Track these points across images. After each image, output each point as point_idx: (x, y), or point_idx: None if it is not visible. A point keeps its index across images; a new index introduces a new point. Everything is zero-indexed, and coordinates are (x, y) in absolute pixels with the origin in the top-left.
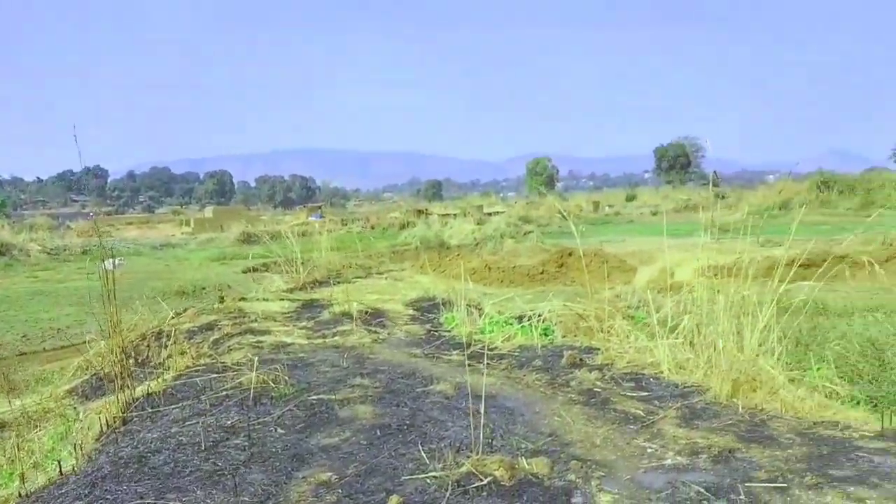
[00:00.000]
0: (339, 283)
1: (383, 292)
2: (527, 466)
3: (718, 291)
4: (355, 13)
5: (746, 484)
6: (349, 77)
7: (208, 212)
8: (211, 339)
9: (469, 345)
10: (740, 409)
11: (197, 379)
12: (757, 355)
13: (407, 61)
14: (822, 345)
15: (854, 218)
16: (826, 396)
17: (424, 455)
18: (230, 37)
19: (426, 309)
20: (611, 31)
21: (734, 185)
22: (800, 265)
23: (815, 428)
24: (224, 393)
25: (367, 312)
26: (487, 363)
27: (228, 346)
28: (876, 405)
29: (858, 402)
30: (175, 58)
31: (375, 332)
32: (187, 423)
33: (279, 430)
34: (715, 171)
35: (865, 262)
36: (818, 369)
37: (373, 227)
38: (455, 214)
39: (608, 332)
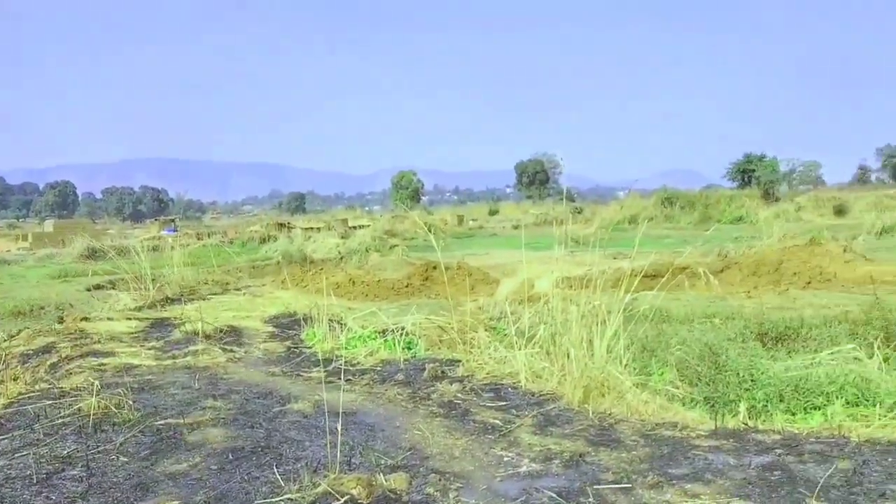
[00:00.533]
0: (192, 300)
1: (241, 309)
2: (385, 483)
3: (572, 302)
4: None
5: (595, 486)
6: (207, 83)
7: (48, 225)
8: (48, 362)
9: (330, 361)
10: (591, 414)
11: (30, 406)
12: (606, 362)
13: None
14: (665, 350)
15: (694, 231)
16: (668, 399)
17: (279, 477)
18: (76, 31)
19: (286, 325)
20: (476, 43)
21: (589, 200)
22: (645, 276)
23: (658, 429)
24: (60, 420)
25: (222, 330)
26: (349, 379)
27: (67, 370)
28: (712, 405)
29: (697, 403)
30: (6, 53)
31: (231, 350)
32: (17, 454)
33: (121, 459)
34: (569, 188)
35: (702, 272)
36: (661, 373)
37: (231, 242)
38: (319, 228)
39: (470, 344)
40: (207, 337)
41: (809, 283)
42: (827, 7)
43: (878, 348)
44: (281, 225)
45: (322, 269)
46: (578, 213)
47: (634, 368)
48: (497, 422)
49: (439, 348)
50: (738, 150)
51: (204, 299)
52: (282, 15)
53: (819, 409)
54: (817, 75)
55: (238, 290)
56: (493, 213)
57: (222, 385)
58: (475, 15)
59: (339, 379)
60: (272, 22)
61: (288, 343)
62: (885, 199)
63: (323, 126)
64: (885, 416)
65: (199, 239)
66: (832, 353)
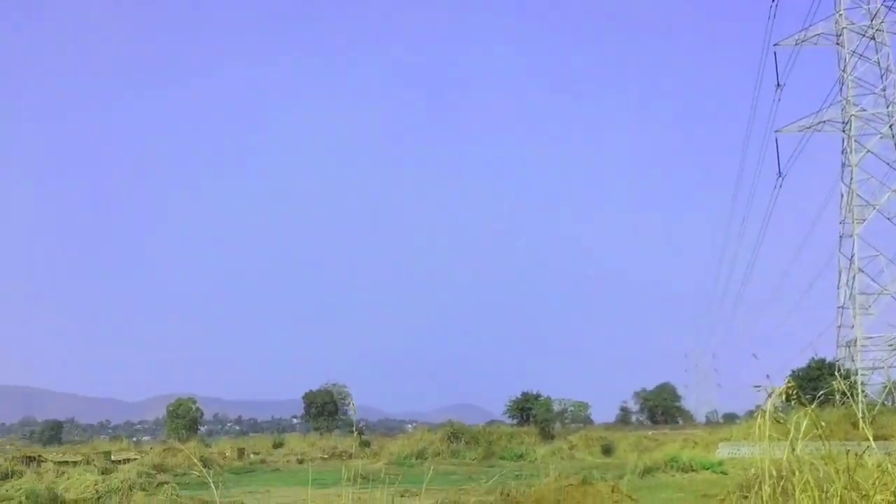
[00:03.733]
0: None
1: None
2: None
3: None
4: None
5: None
6: None
7: None
8: None
9: None
10: None
11: None
12: None
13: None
14: None
15: (479, 467)
16: None
17: None
18: None
19: None
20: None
21: (377, 432)
22: None
23: None
24: None
25: None
26: None
27: None
28: None
29: None
30: None
31: None
32: None
33: None
34: (358, 420)
35: None
36: None
37: None
38: (76, 462)
39: None
40: None
41: None
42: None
43: None
44: (30, 458)
45: None
46: (367, 446)
47: None
48: None
49: None
50: (515, 384)
51: None
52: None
53: None
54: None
55: None
56: (277, 445)
57: None
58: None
59: None
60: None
61: None
62: (643, 440)
63: (88, 343)
64: None
65: None
66: None
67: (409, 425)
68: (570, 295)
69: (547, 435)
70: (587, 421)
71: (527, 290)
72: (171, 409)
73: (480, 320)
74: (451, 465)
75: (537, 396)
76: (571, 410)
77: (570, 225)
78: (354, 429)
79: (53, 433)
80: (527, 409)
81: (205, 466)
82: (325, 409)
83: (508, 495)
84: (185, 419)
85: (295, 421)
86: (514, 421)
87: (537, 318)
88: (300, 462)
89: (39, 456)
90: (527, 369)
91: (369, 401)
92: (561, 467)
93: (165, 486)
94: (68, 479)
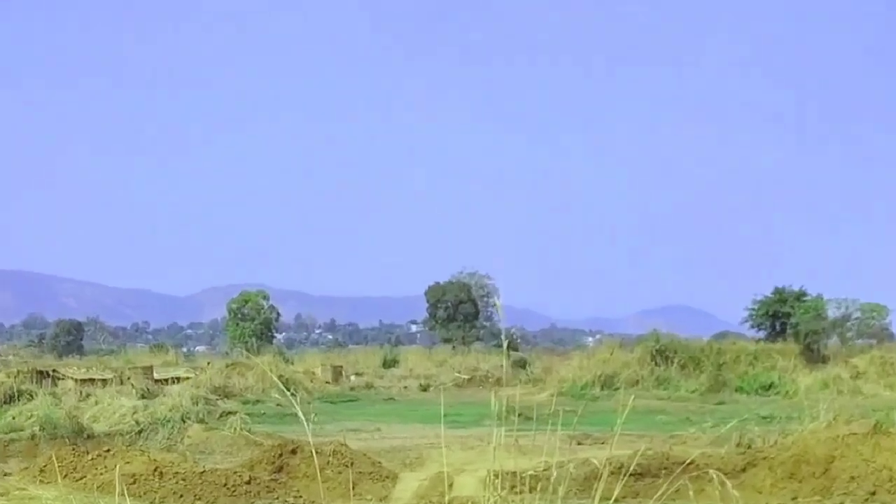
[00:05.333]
0: None
1: None
2: None
3: None
4: None
5: None
6: None
7: None
8: None
9: None
10: None
11: None
12: None
13: None
14: None
15: (701, 404)
16: None
17: None
18: None
19: None
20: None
21: (540, 348)
22: (630, 474)
23: None
24: None
25: None
26: None
27: None
28: None
29: None
30: None
31: None
32: None
33: None
34: (510, 328)
35: (713, 474)
36: None
37: None
38: (104, 380)
39: None
40: None
41: (874, 493)
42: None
43: None
44: (41, 374)
45: (110, 450)
46: (523, 368)
47: None
48: None
49: None
50: (759, 279)
51: None
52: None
53: None
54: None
55: None
56: (389, 363)
57: None
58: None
59: None
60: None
61: None
62: None
63: (114, 219)
64: None
65: None
66: None
67: (590, 338)
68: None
69: (815, 356)
70: (885, 335)
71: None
72: (233, 306)
73: (703, 182)
74: (656, 400)
75: (800, 296)
76: (858, 318)
77: None
78: (503, 340)
79: (72, 339)
80: (781, 316)
81: (286, 391)
82: (458, 310)
83: (750, 447)
84: (254, 322)
85: (414, 328)
86: (761, 334)
87: (794, 183)
88: (424, 389)
89: (55, 371)
90: (779, 256)
91: (528, 301)
92: (838, 406)
93: (232, 417)
94: (96, 403)
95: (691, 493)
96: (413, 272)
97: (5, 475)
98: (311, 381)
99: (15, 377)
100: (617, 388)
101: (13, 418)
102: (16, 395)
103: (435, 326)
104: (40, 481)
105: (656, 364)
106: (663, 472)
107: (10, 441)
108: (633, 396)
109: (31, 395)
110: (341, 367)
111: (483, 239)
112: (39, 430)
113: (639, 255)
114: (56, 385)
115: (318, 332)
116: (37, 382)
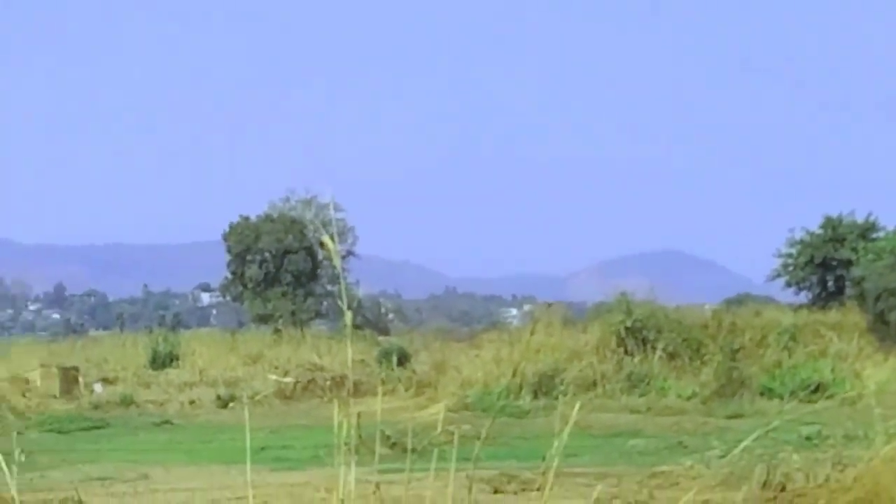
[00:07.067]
0: None
1: None
2: None
3: None
4: None
5: None
6: None
7: None
8: None
9: None
10: None
11: None
12: None
13: None
14: None
15: (704, 417)
16: None
17: None
18: None
19: None
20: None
21: (429, 329)
22: None
23: None
24: None
25: None
26: None
27: None
28: None
29: None
30: None
31: None
32: None
33: None
34: (380, 298)
35: None
36: None
37: None
38: None
39: None
40: None
41: None
42: None
43: None
44: None
45: None
46: (401, 364)
47: None
48: None
49: None
50: (799, 214)
51: None
52: None
53: None
54: None
55: None
56: (162, 361)
57: None
58: None
59: None
60: None
61: None
62: None
63: None
64: None
65: None
66: None
67: (513, 310)
68: None
69: (889, 332)
70: None
71: None
72: None
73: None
74: (627, 413)
75: (866, 230)
76: None
77: None
78: (346, 311)
79: None
80: (836, 266)
81: None
82: (285, 265)
83: (783, 489)
84: None
85: (206, 298)
86: (802, 297)
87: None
88: (225, 405)
89: None
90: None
91: (410, 251)
92: None
93: None
94: None
95: None
96: (204, 202)
97: None
98: (24, 395)
99: None
100: (560, 395)
101: None
102: None
103: (242, 295)
104: None
105: (627, 352)
106: None
107: None
108: (577, 407)
109: None
110: (77, 369)
111: (326, 151)
112: None
113: (596, 179)
114: None
115: (33, 307)
116: None
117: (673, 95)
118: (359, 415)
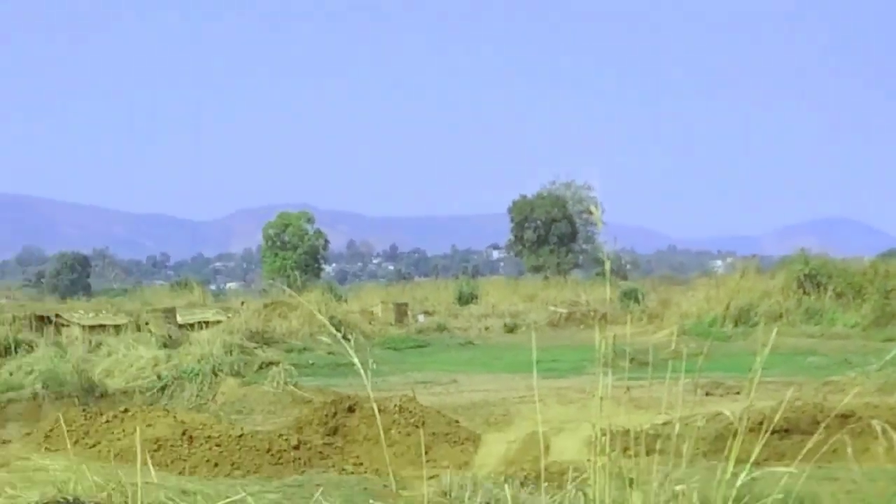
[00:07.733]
0: None
1: None
2: None
3: (632, 483)
4: None
5: None
6: None
7: None
8: None
9: None
10: None
11: None
12: None
13: None
14: None
15: (864, 341)
16: None
17: None
18: None
19: None
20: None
21: (656, 276)
22: (772, 431)
23: None
24: None
25: None
26: None
27: None
28: None
29: None
30: None
31: None
32: None
33: None
34: (621, 253)
35: (878, 428)
36: None
37: None
38: (117, 326)
39: None
40: None
41: None
42: None
43: None
44: (41, 319)
45: (128, 410)
46: (635, 301)
47: None
48: None
49: None
50: None
51: None
52: None
53: None
54: None
55: None
56: (466, 299)
57: None
58: None
59: None
60: None
61: None
62: None
63: (120, 130)
64: None
65: None
66: None
67: (719, 262)
68: None
69: None
70: None
71: None
72: (270, 232)
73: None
74: (805, 338)
75: None
76: None
77: None
78: (606, 265)
79: (76, 277)
80: None
81: (338, 335)
82: (552, 231)
83: None
84: (297, 251)
85: (496, 255)
86: None
87: None
88: (510, 330)
89: (57, 316)
90: None
91: (641, 218)
92: None
93: (273, 368)
94: (109, 355)
95: (851, 451)
96: (494, 185)
97: (4, 442)
98: (370, 323)
99: (10, 325)
100: (755, 324)
101: (10, 374)
102: (12, 346)
103: (522, 252)
104: (46, 449)
105: (805, 292)
106: (815, 427)
107: (7, 402)
108: (774, 332)
109: (31, 347)
110: (406, 304)
111: (582, 143)
112: (42, 387)
113: (782, 159)
114: (59, 333)
115: (375, 261)
116: (36, 330)
117: None
118: (614, 336)
